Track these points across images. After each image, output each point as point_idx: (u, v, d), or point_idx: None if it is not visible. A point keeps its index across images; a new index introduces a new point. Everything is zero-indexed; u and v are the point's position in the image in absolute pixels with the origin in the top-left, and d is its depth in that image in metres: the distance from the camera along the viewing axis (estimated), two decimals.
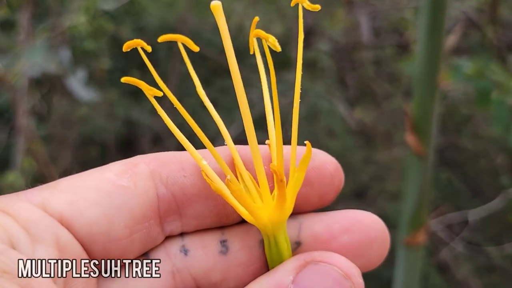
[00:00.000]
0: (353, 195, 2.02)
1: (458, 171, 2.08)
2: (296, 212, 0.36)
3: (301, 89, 0.38)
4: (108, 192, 0.33)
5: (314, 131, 2.00)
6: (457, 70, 1.05)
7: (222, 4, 0.32)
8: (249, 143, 0.34)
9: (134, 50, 0.35)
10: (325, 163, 0.36)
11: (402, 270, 0.78)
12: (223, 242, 0.36)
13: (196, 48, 0.33)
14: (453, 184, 2.02)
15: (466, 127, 2.13)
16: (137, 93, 1.98)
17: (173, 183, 0.34)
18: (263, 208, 0.34)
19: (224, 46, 0.32)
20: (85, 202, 0.32)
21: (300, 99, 0.36)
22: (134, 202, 0.33)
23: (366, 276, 0.35)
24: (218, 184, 0.34)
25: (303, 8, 0.34)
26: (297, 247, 0.35)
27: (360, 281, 0.33)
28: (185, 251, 0.35)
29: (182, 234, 0.36)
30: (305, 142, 0.34)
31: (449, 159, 2.08)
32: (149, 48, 0.33)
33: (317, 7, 0.33)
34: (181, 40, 0.33)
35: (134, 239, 0.34)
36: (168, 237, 0.35)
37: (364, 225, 0.36)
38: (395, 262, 0.81)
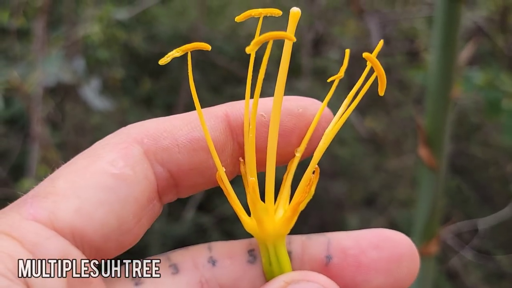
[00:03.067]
0: (364, 203, 2.02)
1: (468, 178, 2.07)
2: None
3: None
4: (111, 187, 0.33)
5: None
6: (468, 81, 1.06)
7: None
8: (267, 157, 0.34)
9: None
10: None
11: (415, 281, 0.78)
12: (250, 252, 0.36)
13: (208, 47, 0.34)
14: (463, 191, 2.01)
15: (476, 135, 2.13)
16: (149, 101, 1.99)
17: (168, 161, 0.35)
18: (269, 219, 0.34)
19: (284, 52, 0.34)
20: (92, 205, 0.32)
21: None
22: (137, 190, 0.33)
23: None
24: (229, 190, 0.35)
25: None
26: (328, 261, 0.36)
27: None
28: (213, 262, 0.35)
29: (209, 246, 0.36)
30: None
31: (459, 167, 2.08)
32: (208, 47, 0.34)
33: (278, 12, 0.34)
34: (196, 47, 0.33)
35: (143, 223, 0.34)
36: (196, 249, 0.36)
37: (392, 241, 0.36)
38: None
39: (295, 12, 0.33)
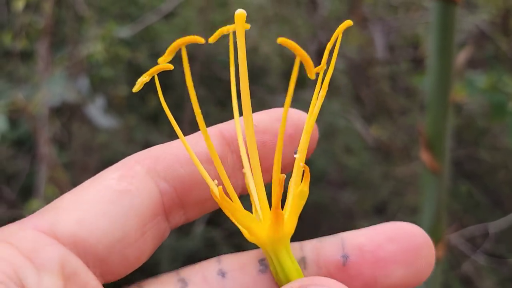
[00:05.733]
0: (374, 211, 2.02)
1: (478, 183, 2.07)
2: None
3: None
4: (113, 200, 0.33)
5: (332, 149, 2.01)
6: (471, 84, 1.05)
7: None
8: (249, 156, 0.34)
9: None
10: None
11: (422, 285, 0.78)
12: (261, 261, 0.35)
13: (202, 41, 0.32)
14: (473, 196, 2.01)
15: (484, 140, 2.12)
16: (155, 117, 2.00)
17: (172, 177, 0.34)
18: (261, 225, 0.34)
19: (239, 57, 0.33)
20: (93, 216, 0.32)
21: (317, 117, 0.36)
22: (139, 203, 0.33)
23: None
24: (228, 205, 0.34)
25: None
26: (345, 261, 0.35)
27: None
28: (222, 274, 0.35)
29: (218, 259, 0.35)
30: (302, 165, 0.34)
31: (468, 172, 2.07)
32: (202, 40, 0.33)
33: (247, 26, 0.33)
34: (187, 41, 0.32)
35: (147, 239, 0.34)
36: (205, 263, 0.35)
37: (407, 233, 0.35)
38: None
39: (239, 14, 0.32)
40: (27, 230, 0.31)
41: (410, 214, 1.83)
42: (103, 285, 0.33)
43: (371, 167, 2.06)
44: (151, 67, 0.33)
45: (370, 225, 0.37)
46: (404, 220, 0.37)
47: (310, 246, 0.36)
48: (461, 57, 0.81)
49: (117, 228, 0.32)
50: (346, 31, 0.35)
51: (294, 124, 0.37)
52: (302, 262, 0.35)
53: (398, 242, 0.35)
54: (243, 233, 0.34)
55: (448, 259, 1.75)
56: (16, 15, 1.55)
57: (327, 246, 0.35)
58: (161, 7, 1.89)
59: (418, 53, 2.18)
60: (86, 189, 0.33)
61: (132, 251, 0.33)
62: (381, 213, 2.01)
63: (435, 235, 0.76)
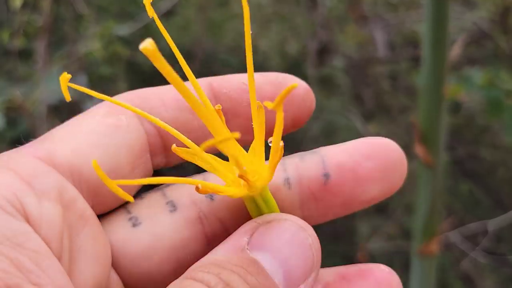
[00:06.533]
0: (375, 210, 2.02)
1: (478, 181, 2.07)
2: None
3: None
4: (106, 133, 0.34)
5: None
6: (468, 81, 1.05)
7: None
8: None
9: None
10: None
11: (417, 280, 0.78)
12: None
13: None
14: (474, 195, 2.00)
15: (484, 138, 2.12)
16: None
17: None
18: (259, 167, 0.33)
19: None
20: (88, 146, 0.33)
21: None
22: (130, 137, 0.34)
23: None
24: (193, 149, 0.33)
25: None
26: (326, 179, 0.36)
27: (315, 235, 0.33)
28: (211, 196, 0.35)
29: (204, 178, 0.36)
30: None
31: (469, 170, 2.07)
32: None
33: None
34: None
35: (136, 175, 0.35)
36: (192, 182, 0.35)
37: (384, 149, 0.36)
38: (410, 273, 0.81)
39: (145, 48, 0.27)
40: (27, 157, 0.32)
41: (410, 212, 1.82)
42: None
43: None
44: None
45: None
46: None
47: (293, 165, 0.36)
48: (455, 50, 0.81)
49: (110, 159, 0.34)
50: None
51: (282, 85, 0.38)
52: (287, 183, 0.36)
53: (376, 159, 0.36)
54: (223, 192, 0.33)
55: (447, 256, 1.75)
56: (14, 13, 1.55)
57: (309, 166, 0.36)
58: (160, 6, 1.89)
59: (418, 51, 2.18)
60: (79, 121, 0.35)
61: (123, 186, 0.33)
62: (382, 212, 2.01)
63: (430, 229, 0.76)
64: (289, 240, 0.32)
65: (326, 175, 0.36)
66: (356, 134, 2.07)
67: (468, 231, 1.80)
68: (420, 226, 0.76)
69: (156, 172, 0.37)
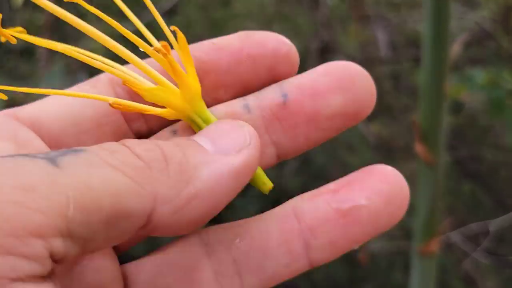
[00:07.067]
0: None
1: (481, 182, 2.06)
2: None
3: None
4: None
5: (334, 146, 2.00)
6: (470, 80, 1.05)
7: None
8: None
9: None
10: (279, 44, 0.37)
11: (417, 280, 0.78)
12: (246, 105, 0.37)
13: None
14: (476, 195, 2.00)
15: (486, 138, 2.12)
16: None
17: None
18: (177, 94, 0.35)
19: None
20: (51, 103, 0.36)
21: None
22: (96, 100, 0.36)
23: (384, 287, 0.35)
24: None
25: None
26: (285, 99, 0.37)
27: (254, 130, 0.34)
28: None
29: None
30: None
31: (471, 170, 2.07)
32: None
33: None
34: None
35: (106, 132, 0.36)
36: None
37: (341, 66, 0.37)
38: (410, 273, 0.81)
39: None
40: None
41: (411, 212, 1.82)
42: None
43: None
44: None
45: None
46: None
47: (252, 95, 0.38)
48: (455, 49, 0.81)
49: (71, 114, 0.36)
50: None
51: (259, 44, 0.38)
52: (246, 107, 0.37)
53: (333, 74, 0.37)
54: (162, 115, 0.35)
55: (448, 257, 1.75)
56: (16, 12, 1.55)
57: (267, 90, 0.37)
58: (162, 5, 1.89)
59: (420, 51, 2.17)
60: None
61: (88, 139, 0.36)
62: None
63: (430, 229, 0.76)
64: (226, 128, 0.33)
65: (284, 95, 0.37)
66: (358, 134, 2.06)
67: (470, 232, 1.80)
68: (420, 226, 0.76)
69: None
